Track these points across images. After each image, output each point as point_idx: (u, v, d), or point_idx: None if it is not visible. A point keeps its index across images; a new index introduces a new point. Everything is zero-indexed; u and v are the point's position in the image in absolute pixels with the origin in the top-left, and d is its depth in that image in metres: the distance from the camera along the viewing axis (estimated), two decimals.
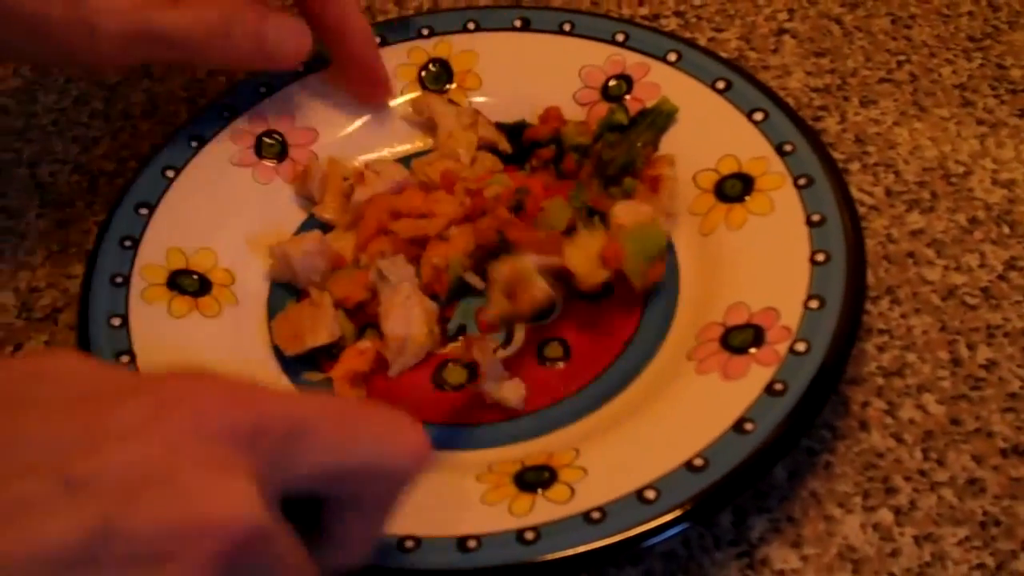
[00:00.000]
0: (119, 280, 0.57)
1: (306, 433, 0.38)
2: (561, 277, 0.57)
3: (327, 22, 0.62)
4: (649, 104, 0.63)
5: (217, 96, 0.66)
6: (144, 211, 0.60)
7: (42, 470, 0.35)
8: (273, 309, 0.59)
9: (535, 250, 0.56)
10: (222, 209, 0.61)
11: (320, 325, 0.56)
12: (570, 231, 0.58)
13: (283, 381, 0.56)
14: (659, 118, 0.62)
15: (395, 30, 0.68)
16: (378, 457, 0.40)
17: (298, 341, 0.56)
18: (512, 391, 0.55)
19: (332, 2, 0.61)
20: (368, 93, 0.65)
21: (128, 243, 0.59)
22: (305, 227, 0.62)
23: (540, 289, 0.55)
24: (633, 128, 0.62)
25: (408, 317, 0.56)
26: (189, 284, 0.58)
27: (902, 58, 0.70)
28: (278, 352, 0.57)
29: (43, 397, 0.37)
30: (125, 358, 0.54)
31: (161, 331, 0.56)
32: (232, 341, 0.57)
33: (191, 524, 0.35)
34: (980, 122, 0.67)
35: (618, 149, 0.61)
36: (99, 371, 0.39)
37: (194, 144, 0.63)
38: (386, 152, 0.65)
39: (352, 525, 0.43)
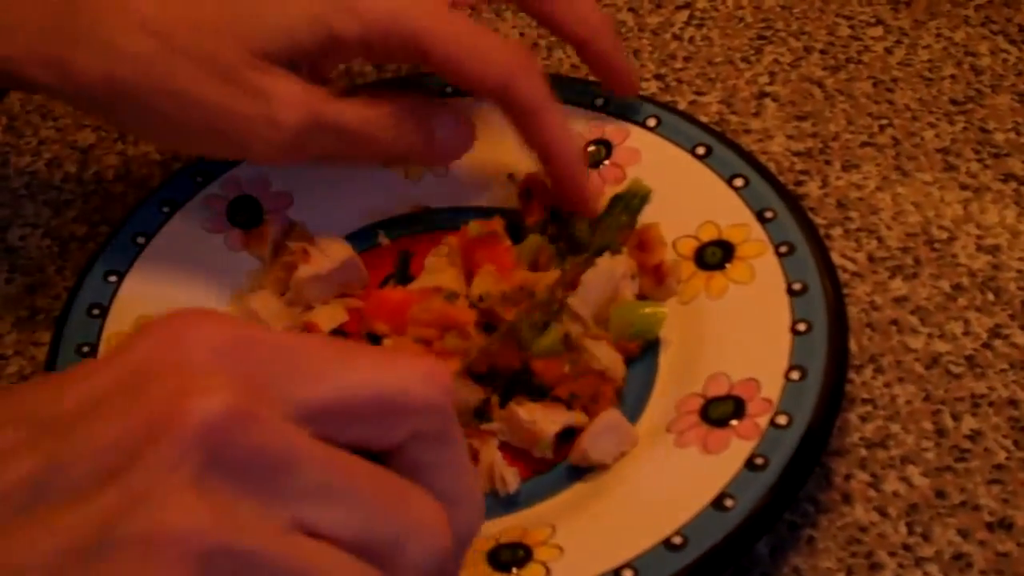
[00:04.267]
0: (86, 350, 0.56)
1: (296, 355, 0.35)
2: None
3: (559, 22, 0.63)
4: (623, 187, 0.62)
5: (191, 160, 0.65)
6: (113, 278, 0.59)
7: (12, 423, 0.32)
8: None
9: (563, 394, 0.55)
10: (193, 276, 0.60)
11: None
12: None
13: None
14: (633, 201, 0.61)
15: None
16: (385, 386, 0.36)
17: None
18: (507, 483, 0.53)
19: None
20: (616, 85, 0.65)
21: (96, 311, 0.58)
22: None
23: (546, 451, 0.54)
24: (608, 214, 0.61)
25: None
26: None
27: (884, 122, 0.70)
28: None
29: None
30: None
31: None
32: None
33: (154, 419, 0.31)
34: (964, 187, 0.66)
35: (596, 235, 0.60)
36: None
37: (166, 209, 0.62)
38: (361, 218, 0.64)
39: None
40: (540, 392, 0.55)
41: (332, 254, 0.60)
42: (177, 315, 0.34)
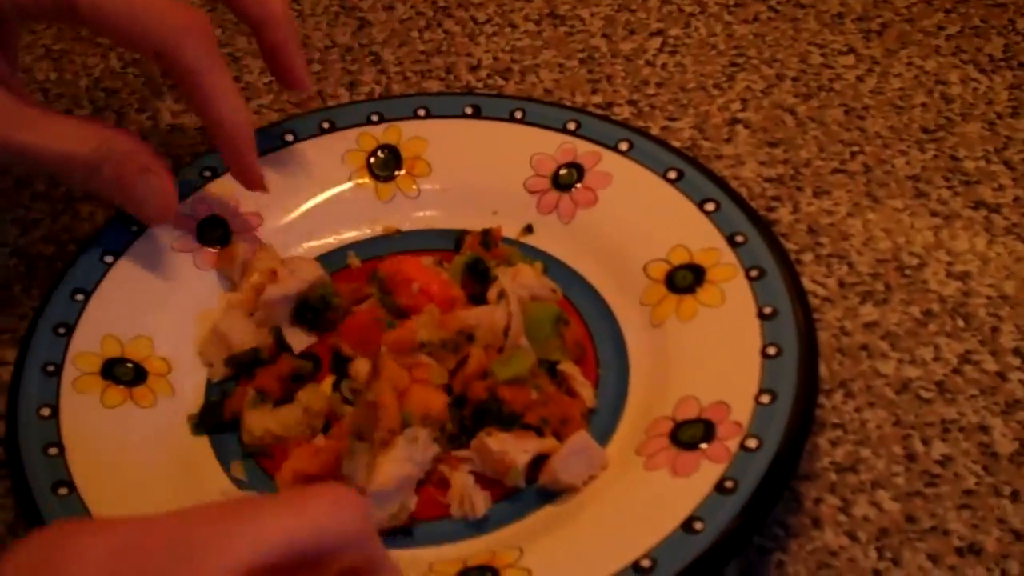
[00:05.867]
0: (51, 369, 0.55)
1: (191, 535, 0.34)
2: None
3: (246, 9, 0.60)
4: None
5: None
6: (80, 297, 0.58)
7: None
8: (210, 400, 0.57)
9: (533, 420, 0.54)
10: (161, 295, 0.60)
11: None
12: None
13: (219, 475, 0.54)
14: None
15: (345, 115, 0.67)
16: (297, 531, 0.34)
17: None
18: (475, 508, 0.53)
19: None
20: (284, 79, 0.63)
21: (62, 330, 0.57)
22: None
23: (518, 481, 0.53)
24: None
25: (404, 482, 0.52)
26: (123, 373, 0.56)
27: (855, 149, 0.70)
28: (214, 446, 0.55)
29: None
30: (54, 450, 0.52)
31: (92, 422, 0.54)
32: (166, 433, 0.55)
33: None
34: (934, 213, 0.66)
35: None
36: None
37: (134, 228, 0.61)
38: (332, 239, 0.64)
39: None
40: (510, 420, 0.54)
41: (301, 274, 0.59)
42: (51, 532, 0.33)
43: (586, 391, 0.56)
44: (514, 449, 0.53)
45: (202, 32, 0.55)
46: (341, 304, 0.59)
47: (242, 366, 0.58)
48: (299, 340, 0.59)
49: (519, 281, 0.58)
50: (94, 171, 0.56)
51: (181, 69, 0.55)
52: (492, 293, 0.58)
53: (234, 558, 0.33)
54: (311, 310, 0.59)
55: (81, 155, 0.55)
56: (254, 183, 0.61)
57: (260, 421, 0.55)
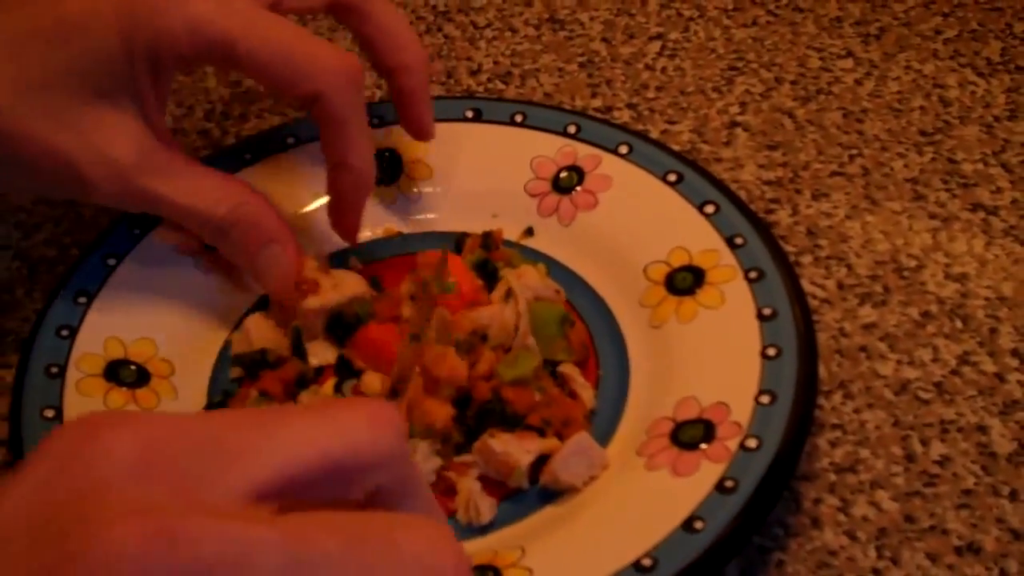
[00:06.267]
0: (54, 371, 0.56)
1: (223, 436, 0.32)
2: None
3: (374, 45, 0.61)
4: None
5: None
6: (83, 300, 0.59)
7: None
8: (213, 402, 0.57)
9: (536, 420, 0.54)
10: (164, 298, 0.60)
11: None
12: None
13: None
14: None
15: None
16: (330, 443, 0.32)
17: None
18: (481, 514, 0.53)
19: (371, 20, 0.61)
20: (410, 127, 0.64)
21: (65, 332, 0.57)
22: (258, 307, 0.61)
23: (521, 481, 0.54)
24: None
25: None
26: (127, 375, 0.57)
27: (854, 152, 0.71)
28: None
29: None
30: None
31: None
32: None
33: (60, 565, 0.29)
34: (932, 216, 0.67)
35: None
36: None
37: (137, 231, 0.61)
38: (333, 242, 0.64)
39: None
40: (513, 421, 0.54)
41: (343, 288, 0.59)
42: (81, 425, 0.31)
43: (586, 392, 0.56)
44: (517, 450, 0.53)
45: (355, 80, 0.56)
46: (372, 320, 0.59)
47: (247, 366, 0.58)
48: (325, 354, 0.59)
49: (523, 282, 0.58)
50: (222, 233, 0.57)
51: (328, 115, 0.56)
52: (498, 293, 0.58)
53: (264, 468, 0.31)
54: (342, 326, 0.59)
55: (212, 217, 0.57)
56: (350, 233, 0.61)
57: None
